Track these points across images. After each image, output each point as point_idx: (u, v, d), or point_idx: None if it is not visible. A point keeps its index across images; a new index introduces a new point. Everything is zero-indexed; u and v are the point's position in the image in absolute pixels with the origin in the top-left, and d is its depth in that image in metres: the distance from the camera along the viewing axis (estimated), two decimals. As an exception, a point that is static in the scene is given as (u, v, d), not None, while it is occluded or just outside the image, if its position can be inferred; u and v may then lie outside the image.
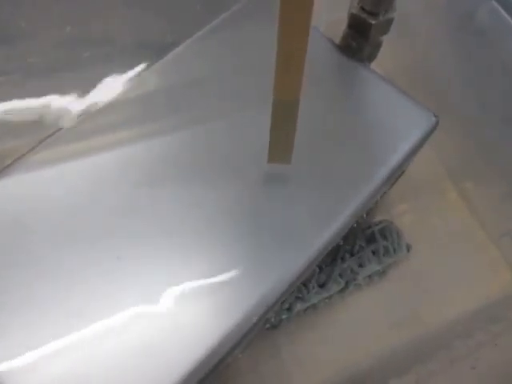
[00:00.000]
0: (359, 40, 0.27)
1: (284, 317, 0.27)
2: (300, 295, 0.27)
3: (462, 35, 0.29)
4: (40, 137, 0.27)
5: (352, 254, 0.28)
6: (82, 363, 0.19)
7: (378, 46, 0.27)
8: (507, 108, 0.28)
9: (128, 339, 0.20)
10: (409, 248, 0.30)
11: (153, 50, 0.29)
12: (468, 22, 0.29)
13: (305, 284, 0.27)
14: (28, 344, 0.19)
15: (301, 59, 0.18)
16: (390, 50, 0.29)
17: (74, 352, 0.19)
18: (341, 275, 0.27)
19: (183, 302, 0.21)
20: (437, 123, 0.25)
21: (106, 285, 0.21)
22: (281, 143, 0.21)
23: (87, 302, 0.20)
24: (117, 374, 0.20)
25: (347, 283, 0.28)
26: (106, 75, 0.30)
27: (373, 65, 0.29)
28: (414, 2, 0.31)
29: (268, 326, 0.27)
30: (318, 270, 0.27)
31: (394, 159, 0.23)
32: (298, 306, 0.27)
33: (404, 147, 0.24)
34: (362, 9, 0.26)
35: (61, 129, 0.24)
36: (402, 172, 0.29)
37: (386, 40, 0.27)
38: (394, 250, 0.29)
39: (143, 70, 0.26)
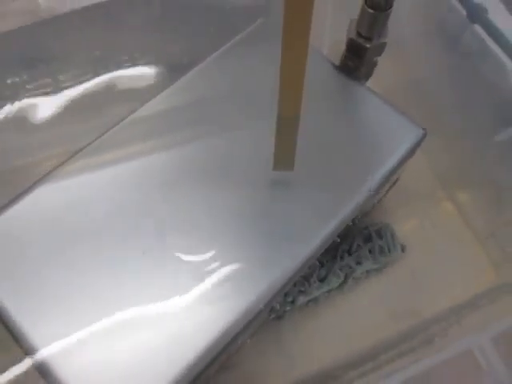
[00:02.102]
0: (356, 61, 0.30)
1: (288, 308, 0.30)
2: (302, 289, 0.30)
3: (450, 56, 0.32)
4: (69, 148, 0.30)
5: (350, 253, 0.31)
6: (108, 348, 0.22)
7: (373, 66, 0.31)
8: (489, 122, 0.31)
9: (144, 322, 0.23)
10: (403, 248, 0.33)
11: (171, 70, 0.32)
12: (455, 44, 0.32)
13: (307, 279, 0.30)
14: (63, 330, 0.22)
15: (300, 82, 0.21)
16: (386, 69, 0.32)
17: (103, 338, 0.22)
18: (340, 270, 0.31)
19: (200, 289, 0.24)
20: (424, 135, 0.28)
21: (132, 276, 0.24)
22: (284, 153, 0.24)
23: (115, 293, 0.23)
24: (134, 355, 0.22)
25: (346, 279, 0.31)
26: (128, 93, 0.34)
27: (371, 81, 0.32)
28: (408, 25, 0.34)
29: (273, 316, 0.31)
30: (319, 265, 0.30)
31: (386, 168, 0.26)
32: (301, 299, 0.30)
33: (394, 157, 0.27)
34: (359, 34, 0.29)
35: (89, 144, 0.27)
36: (397, 179, 0.32)
37: (382, 60, 0.31)
38: (389, 250, 0.32)
39: (164, 88, 0.29)
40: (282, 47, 0.19)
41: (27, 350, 0.22)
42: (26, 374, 0.23)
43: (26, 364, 0.23)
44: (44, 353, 0.22)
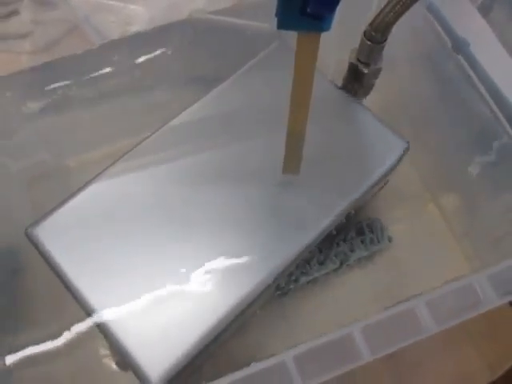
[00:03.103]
0: (355, 83, 0.35)
1: (291, 286, 0.36)
2: (304, 270, 0.36)
3: (437, 79, 0.38)
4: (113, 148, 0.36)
5: (345, 241, 0.37)
6: (152, 309, 0.28)
7: (370, 87, 0.36)
8: (469, 138, 0.36)
9: (179, 290, 0.29)
10: (390, 239, 0.39)
11: (200, 86, 0.38)
12: (441, 69, 0.37)
13: (308, 262, 0.36)
14: (117, 295, 0.28)
15: (306, 108, 0.27)
16: (383, 89, 0.38)
17: (148, 301, 0.28)
18: (336, 256, 0.37)
19: (222, 266, 0.29)
20: (408, 148, 0.33)
21: (169, 253, 0.30)
22: (292, 160, 0.30)
23: (156, 267, 0.29)
24: (172, 318, 0.28)
25: (341, 263, 0.37)
26: (161, 105, 0.39)
27: (370, 97, 0.37)
28: (401, 53, 0.40)
29: (279, 293, 0.37)
30: (318, 251, 0.36)
31: (375, 173, 0.32)
32: (303, 279, 0.36)
33: (382, 165, 0.32)
34: (358, 60, 0.35)
35: (129, 150, 0.33)
36: (386, 182, 0.37)
37: (379, 81, 0.36)
38: (378, 241, 0.38)
39: (193, 102, 0.35)
40: (293, 83, 0.25)
41: (88, 311, 0.28)
42: (86, 330, 0.30)
43: (87, 323, 0.29)
44: (102, 313, 0.28)
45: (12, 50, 0.48)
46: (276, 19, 0.22)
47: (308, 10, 0.21)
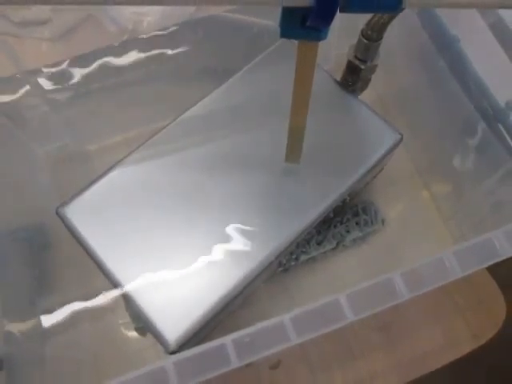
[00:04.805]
0: (353, 78, 0.38)
1: (292, 264, 0.40)
2: (304, 249, 0.40)
3: (430, 74, 0.41)
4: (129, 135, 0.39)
5: (341, 223, 0.41)
6: (171, 280, 0.32)
7: (367, 82, 0.39)
8: (458, 129, 0.39)
9: (194, 264, 0.32)
10: (383, 222, 0.42)
11: (211, 79, 0.41)
12: (434, 64, 0.40)
13: (308, 242, 0.40)
14: (142, 267, 0.32)
15: (306, 104, 0.30)
16: (379, 83, 0.41)
17: (168, 272, 0.32)
18: (333, 237, 0.40)
19: (231, 244, 0.33)
20: (401, 139, 0.36)
21: (185, 232, 0.33)
22: (293, 151, 0.33)
23: (174, 242, 0.33)
24: (187, 290, 0.32)
25: (338, 243, 0.41)
26: (176, 97, 0.42)
27: (368, 91, 0.40)
28: (397, 49, 0.43)
29: (281, 269, 0.40)
30: (317, 232, 0.40)
31: (369, 163, 0.35)
32: (303, 257, 0.40)
33: (376, 155, 0.35)
34: (356, 57, 0.37)
35: (147, 140, 0.36)
36: (382, 169, 0.41)
37: (376, 76, 0.39)
38: (372, 222, 0.41)
39: (205, 95, 0.37)
40: (294, 85, 0.28)
41: (113, 282, 0.32)
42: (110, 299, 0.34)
43: (111, 292, 0.33)
44: (125, 284, 0.32)
45: (33, 36, 0.51)
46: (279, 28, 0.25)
47: (307, 23, 0.24)
